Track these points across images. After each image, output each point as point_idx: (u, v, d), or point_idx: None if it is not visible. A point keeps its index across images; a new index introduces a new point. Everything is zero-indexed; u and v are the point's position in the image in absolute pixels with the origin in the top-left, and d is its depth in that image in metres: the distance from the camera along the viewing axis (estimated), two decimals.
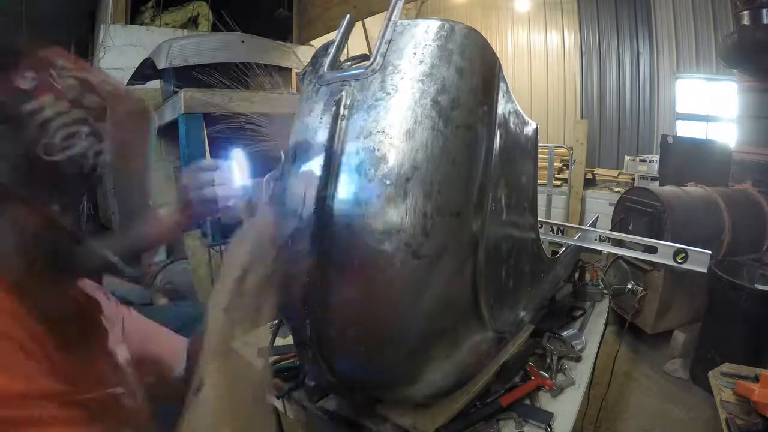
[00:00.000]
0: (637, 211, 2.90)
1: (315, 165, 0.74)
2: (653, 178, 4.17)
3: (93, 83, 0.53)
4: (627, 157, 4.94)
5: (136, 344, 0.72)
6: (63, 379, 0.44)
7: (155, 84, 3.90)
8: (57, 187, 0.49)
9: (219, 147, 3.07)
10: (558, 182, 4.86)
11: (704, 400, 2.24)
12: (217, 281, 0.54)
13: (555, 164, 4.83)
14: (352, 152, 0.71)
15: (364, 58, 0.80)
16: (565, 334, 1.22)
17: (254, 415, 0.46)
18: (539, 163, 1.09)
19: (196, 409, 0.43)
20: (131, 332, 0.72)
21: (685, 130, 4.80)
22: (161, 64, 3.15)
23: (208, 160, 0.89)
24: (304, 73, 0.93)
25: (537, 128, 1.00)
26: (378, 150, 0.69)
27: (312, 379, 0.89)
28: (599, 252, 1.60)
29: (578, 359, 1.16)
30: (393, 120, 0.70)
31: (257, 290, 0.54)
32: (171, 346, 0.81)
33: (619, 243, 1.60)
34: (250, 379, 0.50)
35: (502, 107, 0.81)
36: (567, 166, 4.83)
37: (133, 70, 3.71)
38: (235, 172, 0.81)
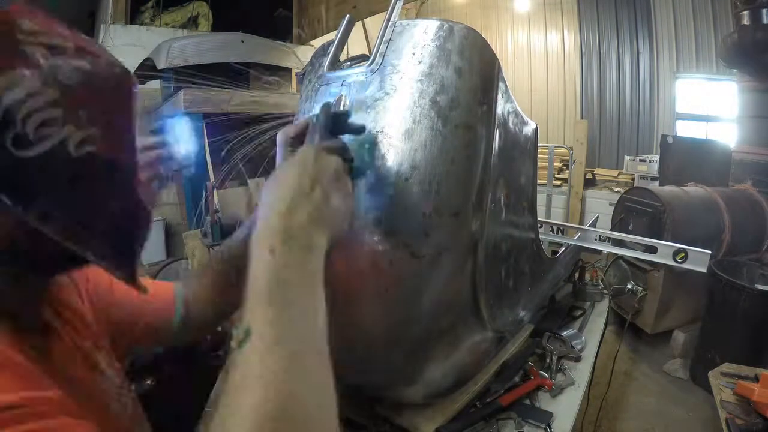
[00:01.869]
0: (637, 211, 2.90)
1: None
2: (653, 178, 4.16)
3: (68, 51, 0.41)
4: (627, 157, 4.94)
5: (124, 315, 0.66)
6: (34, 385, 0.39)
7: (155, 84, 3.91)
8: (34, 190, 0.39)
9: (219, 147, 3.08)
10: (558, 182, 4.86)
11: (704, 400, 2.24)
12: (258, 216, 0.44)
13: (555, 164, 4.82)
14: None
15: (363, 58, 0.81)
16: (564, 334, 1.22)
17: (311, 370, 0.38)
18: (539, 163, 1.09)
19: (240, 363, 0.35)
20: (116, 304, 0.66)
21: (685, 130, 4.80)
22: (161, 64, 3.15)
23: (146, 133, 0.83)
24: (304, 73, 0.94)
25: (536, 128, 1.00)
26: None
27: None
28: (599, 252, 1.60)
29: (578, 359, 1.16)
30: (392, 120, 0.70)
31: (311, 224, 0.44)
32: (163, 297, 0.74)
33: (619, 243, 1.60)
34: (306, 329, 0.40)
35: (501, 107, 0.81)
36: (567, 166, 4.83)
37: (133, 70, 3.71)
38: (177, 137, 0.80)
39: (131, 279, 0.46)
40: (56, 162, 0.39)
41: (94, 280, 0.65)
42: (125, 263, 0.46)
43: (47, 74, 0.39)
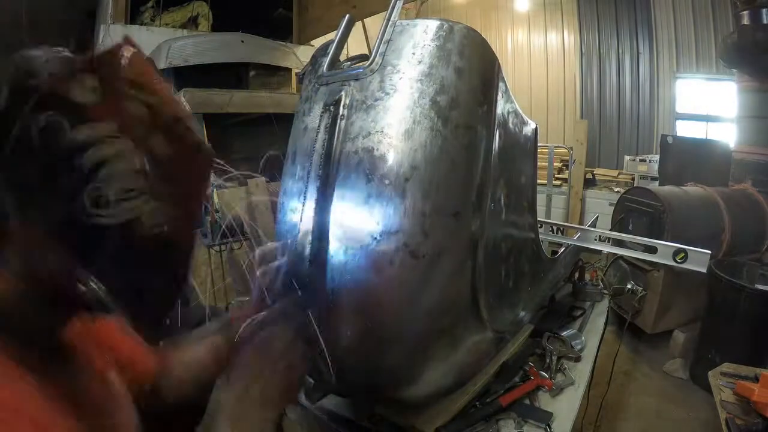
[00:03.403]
0: (636, 211, 2.89)
1: (314, 165, 0.74)
2: (653, 178, 4.16)
3: (165, 117, 0.39)
4: (627, 157, 4.95)
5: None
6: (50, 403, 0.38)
7: None
8: (97, 249, 0.37)
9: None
10: (558, 182, 4.86)
11: (704, 400, 2.24)
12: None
13: (555, 164, 4.82)
14: (351, 152, 0.72)
15: (363, 58, 0.81)
16: (564, 334, 1.22)
17: None
18: (539, 163, 1.09)
19: None
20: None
21: (685, 130, 4.80)
22: (161, 64, 3.14)
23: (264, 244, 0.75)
24: (304, 73, 0.94)
25: (536, 128, 1.00)
26: (377, 150, 0.69)
27: (312, 379, 0.89)
28: (599, 252, 1.60)
29: (578, 359, 1.16)
30: (392, 120, 0.70)
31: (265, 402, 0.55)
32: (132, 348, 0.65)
33: (619, 243, 1.60)
34: None
35: (501, 107, 0.81)
36: (567, 166, 4.83)
37: None
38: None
39: (150, 341, 0.51)
40: (127, 233, 0.38)
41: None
42: (149, 326, 0.50)
43: (141, 140, 0.37)
